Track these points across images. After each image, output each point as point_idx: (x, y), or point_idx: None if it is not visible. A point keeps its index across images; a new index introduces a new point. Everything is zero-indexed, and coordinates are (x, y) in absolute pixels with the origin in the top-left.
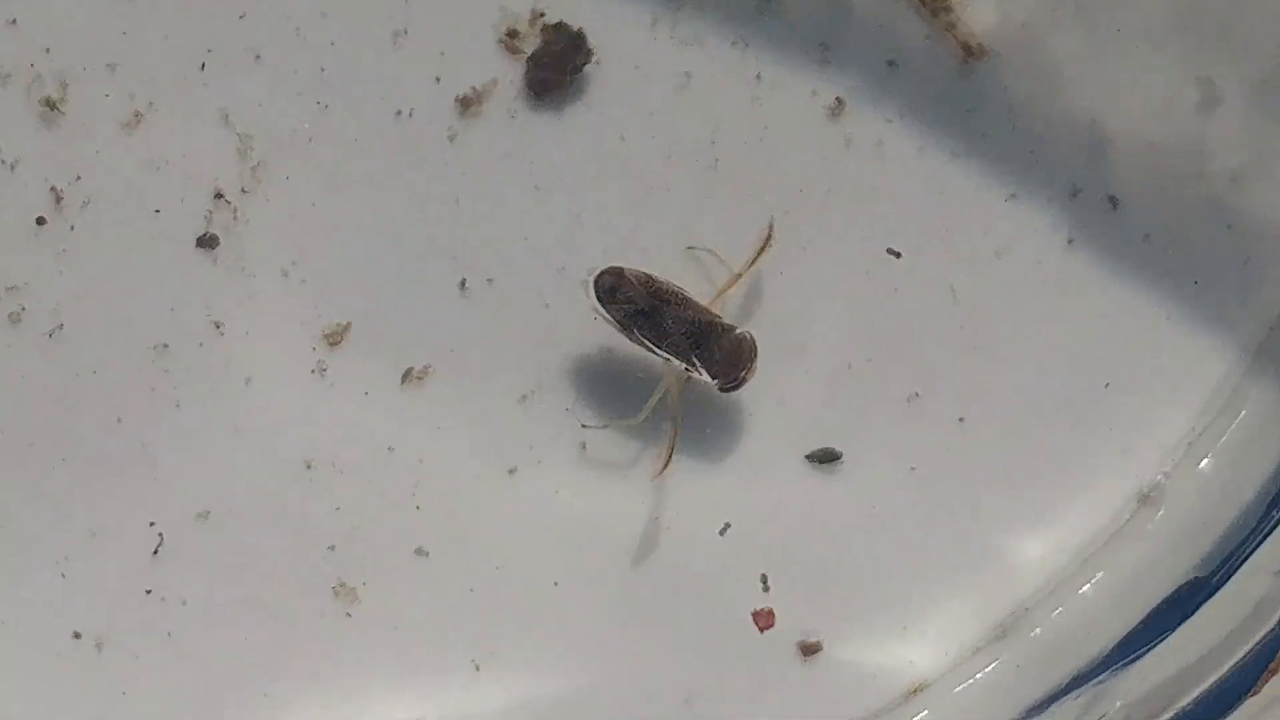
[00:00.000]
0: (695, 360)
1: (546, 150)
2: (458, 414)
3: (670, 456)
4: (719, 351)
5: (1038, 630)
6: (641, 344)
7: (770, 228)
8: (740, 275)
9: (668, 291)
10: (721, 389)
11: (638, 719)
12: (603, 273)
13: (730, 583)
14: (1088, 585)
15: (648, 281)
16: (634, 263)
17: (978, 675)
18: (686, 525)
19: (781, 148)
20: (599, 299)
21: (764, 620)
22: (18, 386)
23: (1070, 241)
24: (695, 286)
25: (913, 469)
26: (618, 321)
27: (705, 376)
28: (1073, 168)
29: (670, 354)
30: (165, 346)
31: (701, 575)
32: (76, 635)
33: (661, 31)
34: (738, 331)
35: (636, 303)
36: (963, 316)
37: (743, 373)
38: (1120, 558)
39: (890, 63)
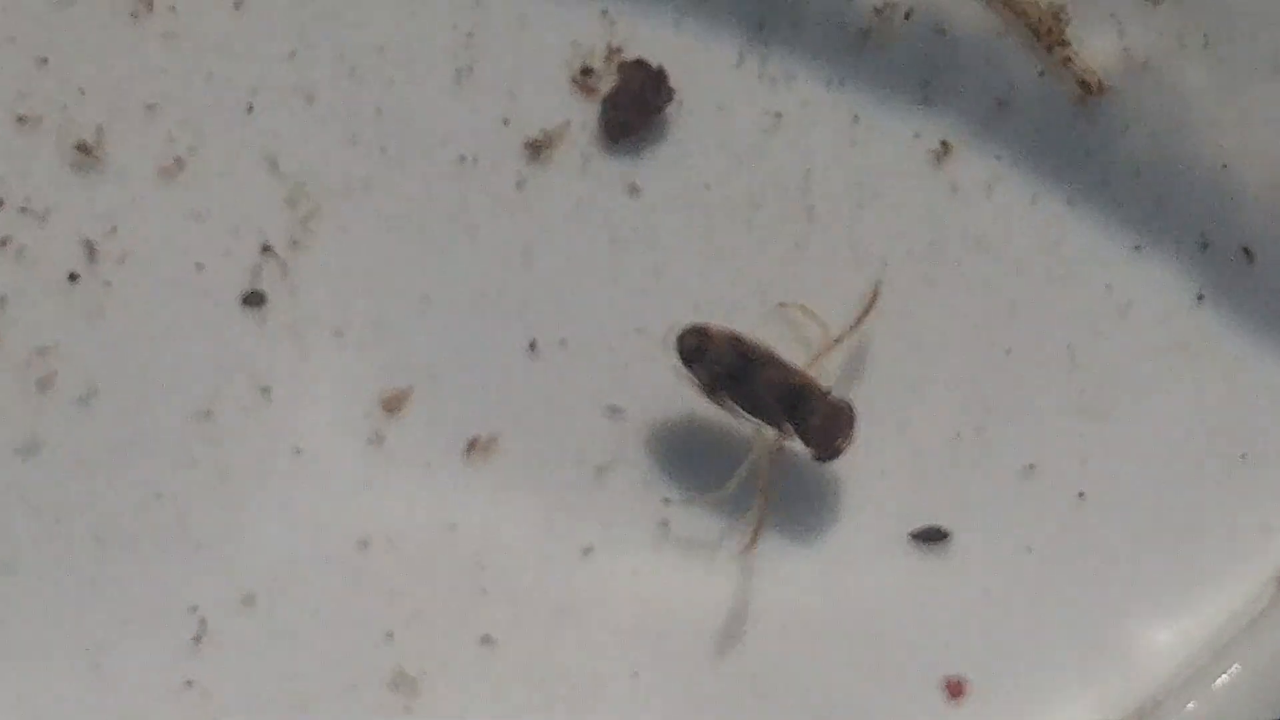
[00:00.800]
0: (788, 428)
1: (623, 199)
2: (527, 488)
3: (759, 533)
4: (815, 418)
5: None
6: (729, 409)
7: (875, 290)
8: (840, 339)
9: (758, 352)
10: (817, 459)
11: None
12: (686, 331)
13: (826, 676)
14: (1223, 677)
15: (736, 341)
16: (720, 321)
17: None
18: (777, 610)
19: (881, 195)
20: (683, 360)
21: (955, 690)
22: (47, 458)
23: (1200, 298)
24: (788, 348)
25: (1028, 549)
26: (703, 384)
27: (799, 445)
28: (1203, 217)
29: (761, 420)
30: (208, 414)
31: (794, 668)
32: None
33: (749, 69)
34: (834, 397)
35: (723, 364)
36: (1082, 380)
37: (840, 441)
38: (1258, 648)
39: (1000, 102)
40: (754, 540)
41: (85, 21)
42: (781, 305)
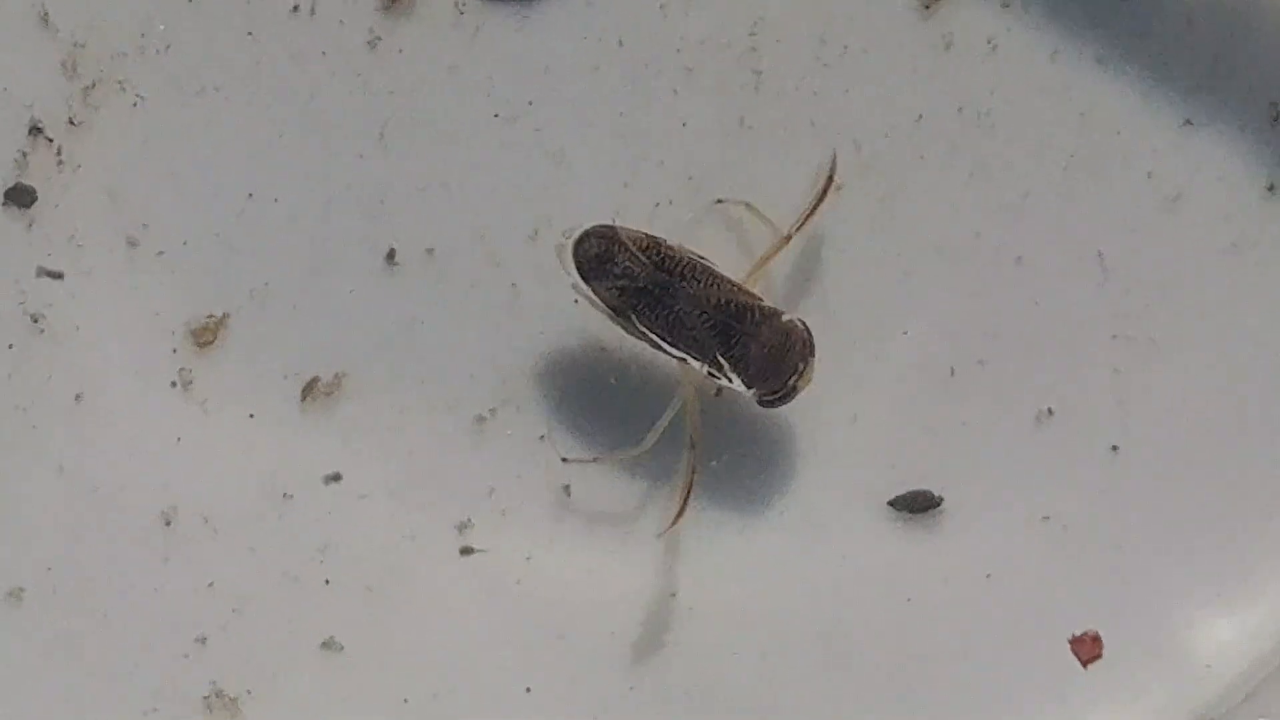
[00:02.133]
0: (723, 361)
1: (511, 60)
2: (382, 445)
3: (686, 503)
4: (756, 346)
5: None
6: (645, 338)
7: (831, 167)
8: (789, 237)
9: (683, 262)
10: (761, 402)
11: None
12: (588, 234)
13: (771, 686)
14: None
15: (653, 247)
16: (635, 221)
17: None
18: (710, 604)
19: (852, 53)
20: (583, 273)
21: (1086, 650)
22: None
23: (1271, 189)
24: (724, 255)
25: (1045, 519)
26: (610, 305)
27: (737, 384)
28: (1276, 80)
29: (687, 352)
30: None
31: (732, 676)
32: None
33: None
34: (785, 318)
35: (637, 278)
36: (1116, 295)
37: (792, 379)
38: None
39: None
40: (680, 513)
41: None
42: (719, 202)
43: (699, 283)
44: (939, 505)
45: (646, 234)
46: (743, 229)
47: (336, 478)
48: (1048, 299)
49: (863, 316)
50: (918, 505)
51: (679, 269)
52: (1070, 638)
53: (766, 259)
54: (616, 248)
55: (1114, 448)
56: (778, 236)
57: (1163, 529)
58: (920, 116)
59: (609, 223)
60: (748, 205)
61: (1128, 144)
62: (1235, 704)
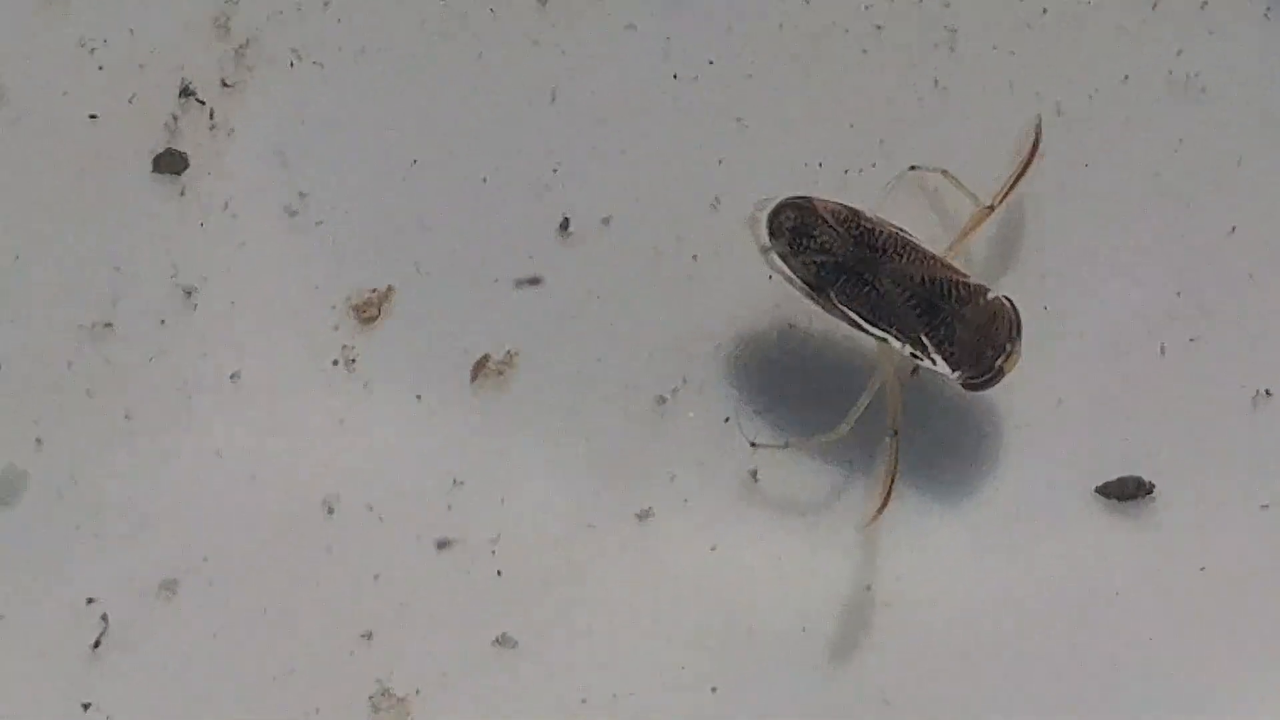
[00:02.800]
0: (927, 341)
1: (691, 17)
2: (559, 426)
3: (890, 493)
4: (963, 327)
5: None
6: (844, 316)
7: (1036, 133)
8: (992, 207)
9: (883, 235)
10: (966, 385)
11: None
12: (783, 206)
13: (980, 684)
14: None
15: (851, 220)
16: (829, 192)
17: None
18: (913, 601)
19: (1054, 12)
20: (778, 247)
21: None
22: None
23: None
24: (921, 226)
25: (1264, 507)
26: (807, 282)
27: (941, 366)
28: None
29: (889, 331)
30: (107, 326)
31: (934, 677)
32: None
33: None
34: (991, 296)
35: (835, 253)
36: None
37: (1000, 359)
38: None
39: None
40: (884, 503)
41: None
42: (913, 169)
43: (902, 258)
44: (1150, 492)
45: (845, 205)
46: (939, 198)
47: (511, 464)
48: (1264, 272)
49: (1067, 292)
50: (1127, 492)
51: (881, 243)
52: None
53: (968, 231)
54: (814, 220)
55: None
56: (979, 206)
57: None
58: (1126, 78)
59: (804, 194)
60: (944, 173)
61: None
62: None
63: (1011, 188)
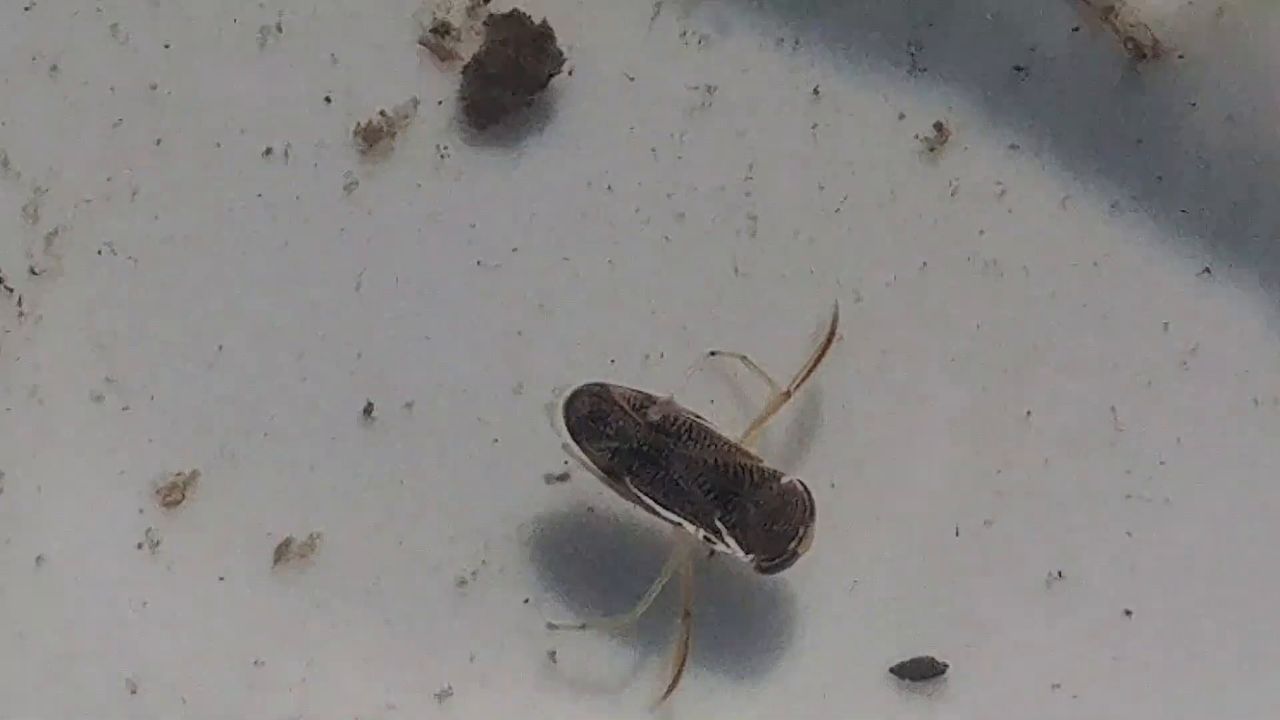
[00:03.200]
0: (721, 525)
1: (495, 206)
2: (359, 607)
3: (680, 673)
4: (756, 511)
5: None
6: (638, 501)
7: (833, 320)
8: (789, 393)
9: (678, 421)
10: (760, 568)
11: None
12: (579, 393)
13: None
14: None
15: (646, 406)
16: (627, 379)
17: None
18: None
19: (853, 199)
20: (573, 433)
21: None
22: None
23: None
24: (719, 411)
25: (1055, 686)
26: (602, 467)
27: (735, 550)
28: None
29: (682, 516)
30: None
31: None
32: None
33: (667, 25)
34: (784, 480)
35: (630, 438)
36: (1130, 452)
37: (792, 544)
38: None
39: (1018, 69)
40: (674, 683)
41: None
42: (712, 354)
43: (695, 444)
44: (943, 673)
45: (641, 391)
46: (738, 383)
47: (312, 645)
48: (1058, 457)
49: (863, 477)
50: (921, 672)
51: (675, 429)
52: None
53: (765, 417)
54: (609, 406)
55: (1127, 612)
56: (776, 393)
57: (1176, 697)
58: (925, 265)
59: (600, 380)
60: (744, 359)
61: (1143, 294)
62: None
63: (809, 373)
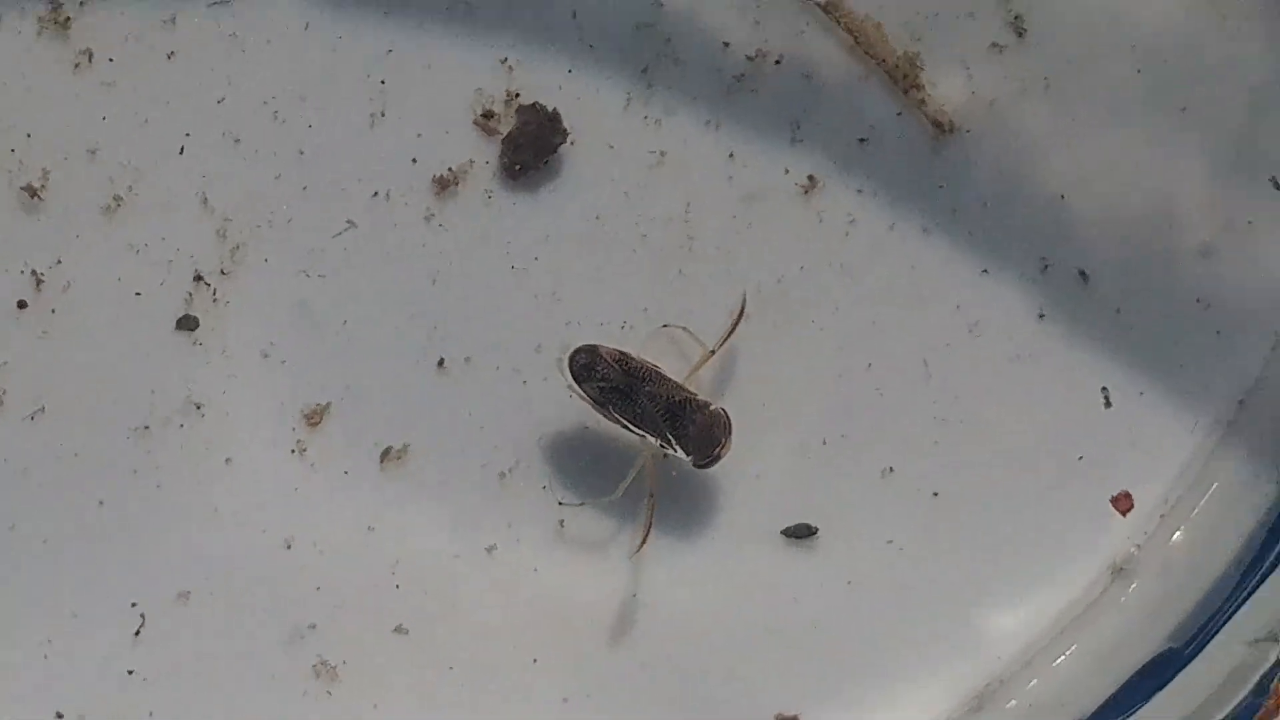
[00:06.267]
0: (671, 437)
1: (522, 230)
2: (436, 492)
3: (648, 533)
4: (693, 428)
5: (1013, 702)
6: (617, 422)
7: (742, 302)
8: (714, 352)
9: (642, 369)
10: (697, 465)
11: None
12: (577, 351)
13: (707, 657)
14: (1062, 657)
15: (622, 360)
16: (609, 341)
17: None
18: (665, 603)
19: (755, 226)
20: (574, 377)
21: (1124, 504)
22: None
23: (1041, 316)
24: (670, 364)
25: (889, 542)
26: (593, 400)
27: (681, 453)
28: (1043, 243)
29: (646, 431)
30: (146, 429)
31: (680, 655)
32: (59, 716)
33: (635, 112)
34: (712, 408)
35: (612, 381)
36: (936, 391)
37: (717, 449)
38: (1094, 629)
39: (862, 140)
40: (643, 540)
41: (32, 74)
42: (665, 326)
43: (654, 384)
44: (815, 534)
45: (618, 349)
46: (681, 345)
47: (405, 515)
48: (889, 392)
49: (761, 405)
50: (802, 534)
51: (641, 374)
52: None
53: (697, 367)
54: (597, 359)
55: (935, 494)
56: (704, 352)
57: (968, 550)
58: (802, 268)
59: (592, 343)
60: (684, 329)
61: (943, 287)
62: (1017, 670)
63: (725, 339)
